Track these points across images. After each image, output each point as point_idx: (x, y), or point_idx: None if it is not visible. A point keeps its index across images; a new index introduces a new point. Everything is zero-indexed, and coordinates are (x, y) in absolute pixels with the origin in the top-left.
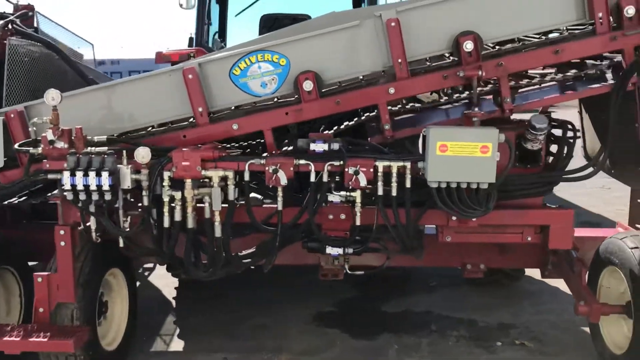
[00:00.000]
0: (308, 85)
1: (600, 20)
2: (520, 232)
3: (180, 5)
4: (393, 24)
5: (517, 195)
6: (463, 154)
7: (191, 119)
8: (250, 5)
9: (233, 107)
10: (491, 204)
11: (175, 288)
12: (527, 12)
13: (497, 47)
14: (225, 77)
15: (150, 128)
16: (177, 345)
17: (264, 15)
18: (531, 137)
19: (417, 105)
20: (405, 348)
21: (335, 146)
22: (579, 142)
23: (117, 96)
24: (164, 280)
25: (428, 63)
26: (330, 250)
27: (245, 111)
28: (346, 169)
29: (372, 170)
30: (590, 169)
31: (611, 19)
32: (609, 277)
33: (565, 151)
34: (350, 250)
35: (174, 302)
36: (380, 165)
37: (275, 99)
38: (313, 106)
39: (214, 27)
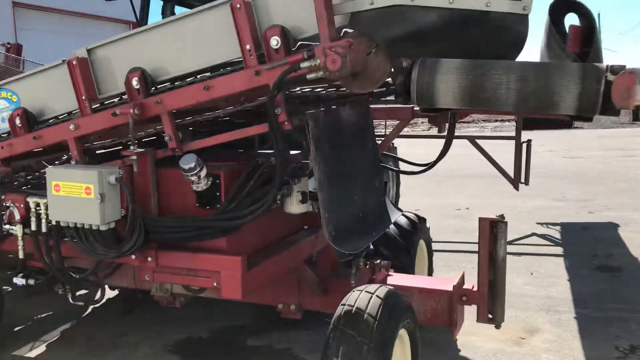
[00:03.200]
0: (18, 121)
1: (250, 53)
2: (209, 277)
3: None
4: (74, 62)
5: (169, 238)
6: (72, 195)
7: None
8: None
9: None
10: (127, 246)
11: (109, 299)
12: (195, 49)
13: None
14: None
15: None
16: (37, 351)
17: None
18: (186, 178)
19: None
20: None
21: None
22: None
23: None
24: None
25: None
26: (16, 280)
27: None
28: (4, 203)
29: (22, 206)
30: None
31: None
32: None
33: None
34: (32, 282)
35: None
36: (31, 201)
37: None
38: (20, 141)
39: None
